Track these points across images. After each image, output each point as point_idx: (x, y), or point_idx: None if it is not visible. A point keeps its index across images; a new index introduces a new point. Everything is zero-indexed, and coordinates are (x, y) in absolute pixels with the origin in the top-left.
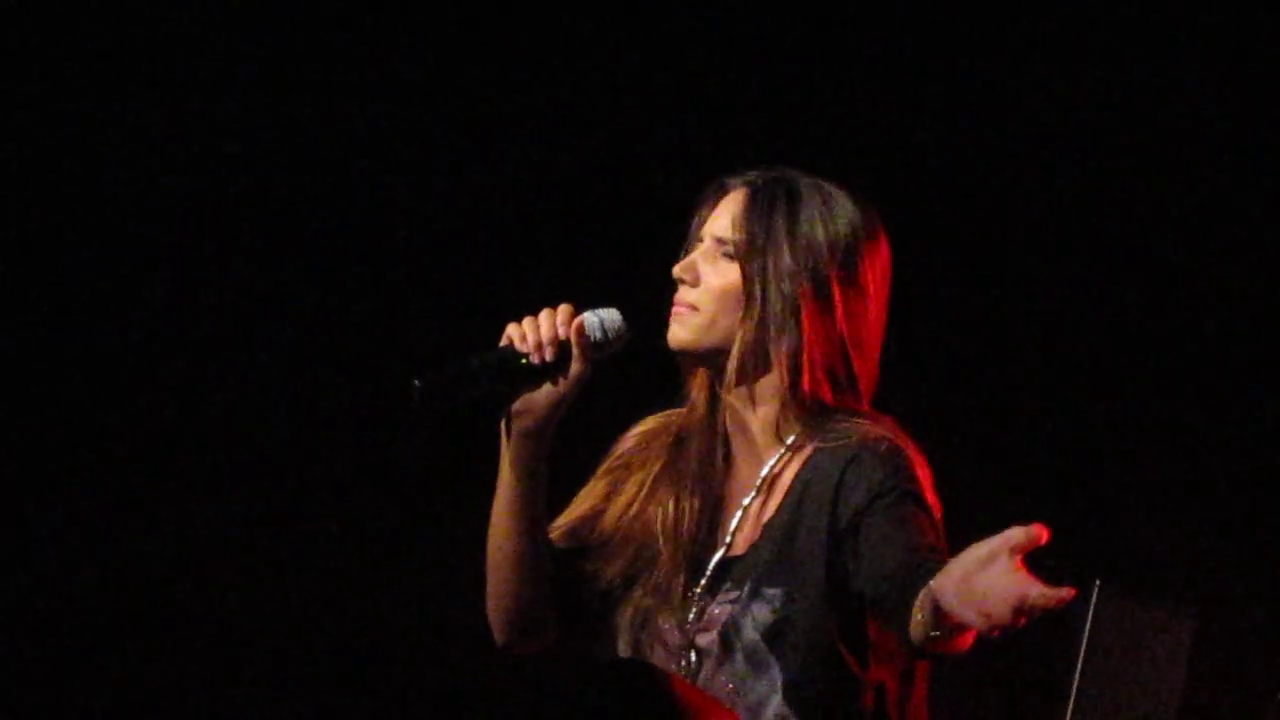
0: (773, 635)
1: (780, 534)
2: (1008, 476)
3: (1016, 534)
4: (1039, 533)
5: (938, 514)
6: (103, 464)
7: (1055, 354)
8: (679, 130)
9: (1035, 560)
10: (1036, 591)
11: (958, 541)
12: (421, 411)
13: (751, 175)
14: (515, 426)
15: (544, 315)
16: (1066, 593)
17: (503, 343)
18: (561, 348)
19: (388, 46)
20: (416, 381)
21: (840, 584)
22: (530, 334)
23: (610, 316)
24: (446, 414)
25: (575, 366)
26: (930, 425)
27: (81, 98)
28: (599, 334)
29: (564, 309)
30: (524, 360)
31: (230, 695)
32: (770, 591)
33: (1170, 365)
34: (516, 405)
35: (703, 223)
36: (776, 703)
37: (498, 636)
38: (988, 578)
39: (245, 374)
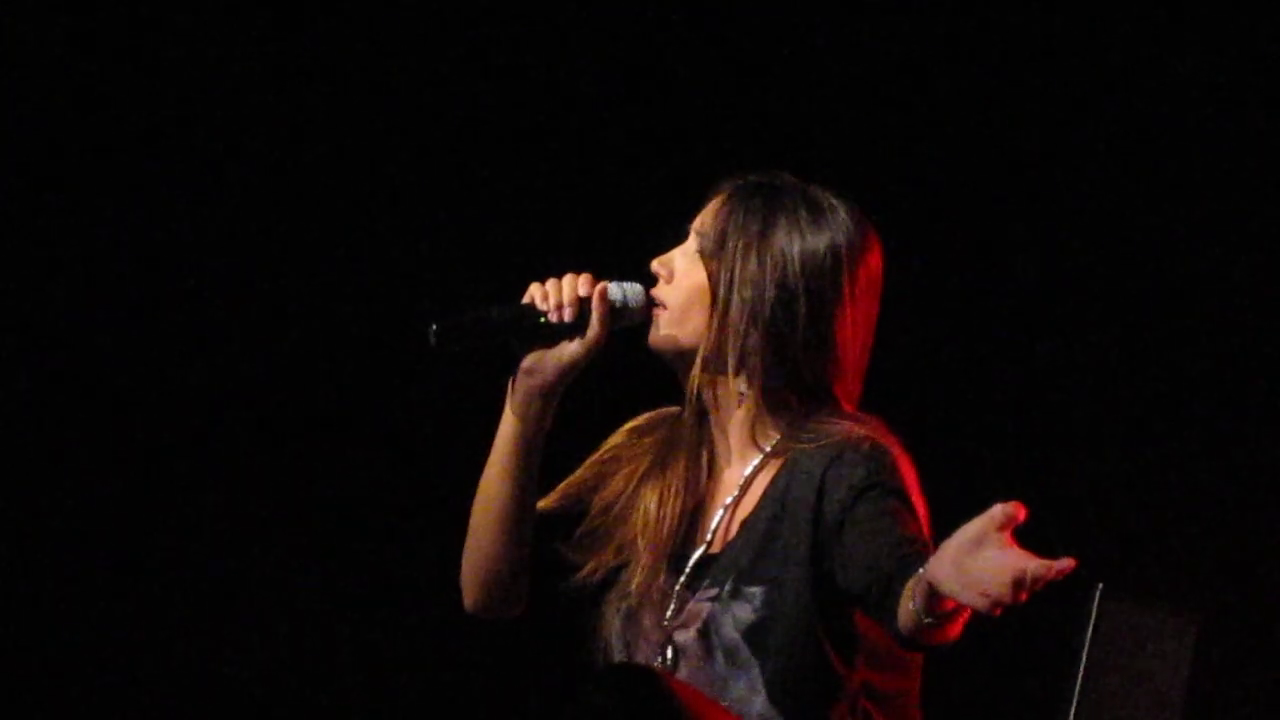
0: (754, 634)
1: (760, 533)
2: (1007, 479)
3: (997, 513)
4: (1015, 510)
5: (922, 514)
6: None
7: (1055, 355)
8: (698, 127)
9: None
10: (1035, 565)
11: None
12: (435, 354)
13: (744, 178)
14: (522, 384)
15: (568, 278)
16: (1066, 564)
17: (524, 300)
18: (581, 311)
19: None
20: (433, 325)
21: (825, 583)
22: (553, 294)
23: (633, 289)
24: (458, 359)
25: (592, 331)
26: (926, 428)
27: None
28: (620, 304)
29: (587, 275)
30: (543, 318)
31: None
32: (751, 590)
33: (1172, 367)
34: (526, 363)
35: (692, 219)
36: (761, 703)
37: (467, 599)
38: (983, 558)
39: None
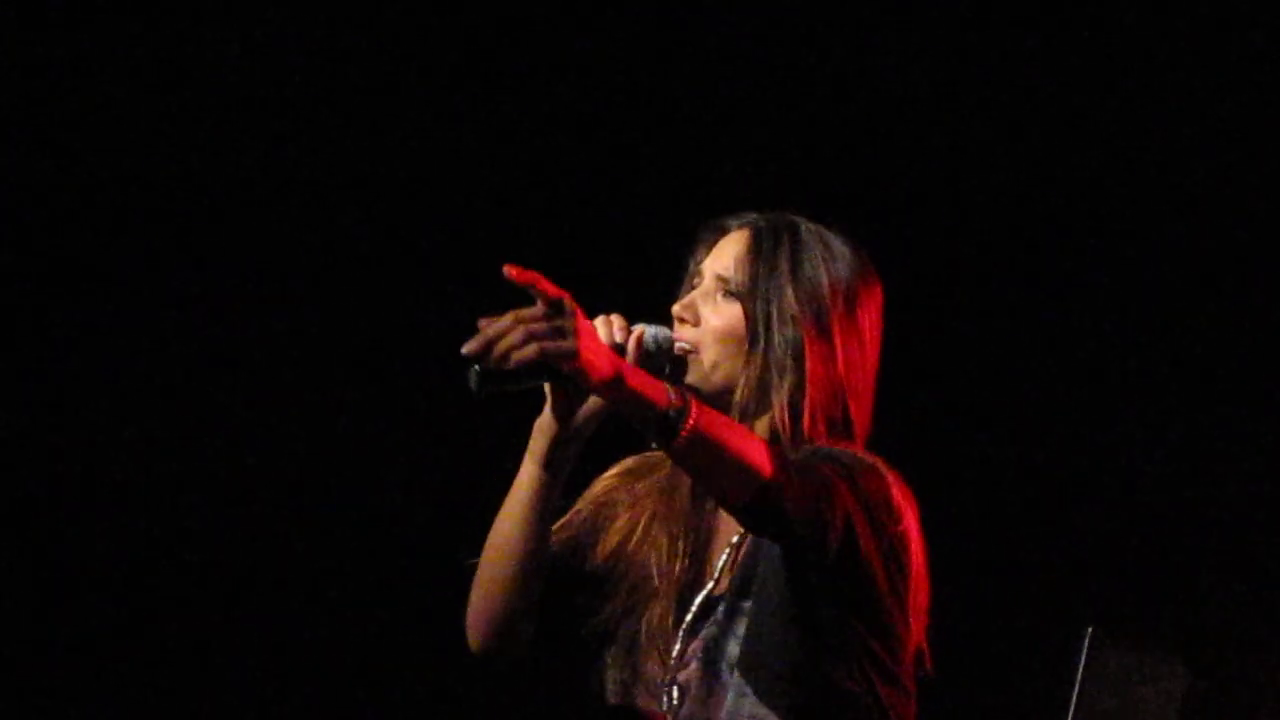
0: (749, 646)
1: (750, 554)
2: (1000, 523)
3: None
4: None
5: (917, 549)
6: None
7: (1049, 394)
8: (676, 168)
9: (1029, 608)
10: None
11: (946, 582)
12: (476, 397)
13: (752, 217)
14: (549, 430)
15: (601, 320)
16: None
17: None
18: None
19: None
20: (475, 367)
21: (804, 596)
22: None
23: (663, 333)
24: (498, 400)
25: None
26: (922, 468)
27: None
28: (653, 347)
29: (619, 318)
30: None
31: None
32: (744, 605)
33: (1162, 406)
34: (556, 409)
35: (700, 262)
36: (759, 712)
37: (473, 639)
38: None
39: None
